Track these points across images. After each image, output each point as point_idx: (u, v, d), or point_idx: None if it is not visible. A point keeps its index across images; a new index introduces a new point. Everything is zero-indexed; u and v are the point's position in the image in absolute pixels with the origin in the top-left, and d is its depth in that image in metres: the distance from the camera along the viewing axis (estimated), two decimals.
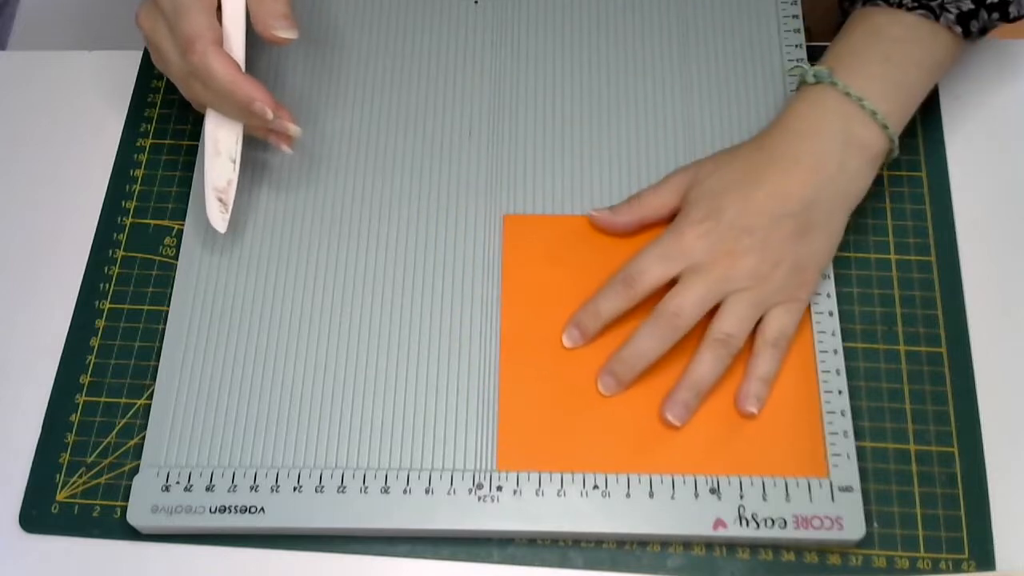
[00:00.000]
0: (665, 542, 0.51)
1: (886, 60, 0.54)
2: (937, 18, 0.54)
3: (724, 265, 0.52)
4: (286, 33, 0.53)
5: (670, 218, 0.55)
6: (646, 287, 0.53)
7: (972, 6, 0.54)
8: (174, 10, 0.52)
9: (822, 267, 0.54)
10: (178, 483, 0.51)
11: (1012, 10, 0.55)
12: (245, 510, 0.51)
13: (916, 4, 0.54)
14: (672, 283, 0.53)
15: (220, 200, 0.55)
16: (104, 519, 0.53)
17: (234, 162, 0.55)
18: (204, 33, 0.51)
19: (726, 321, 0.52)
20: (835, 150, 0.53)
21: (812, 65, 0.55)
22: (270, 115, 0.53)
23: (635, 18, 0.64)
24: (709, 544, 0.51)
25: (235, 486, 0.51)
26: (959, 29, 0.54)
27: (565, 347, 0.54)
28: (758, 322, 0.53)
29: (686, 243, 0.52)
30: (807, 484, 0.50)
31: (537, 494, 0.51)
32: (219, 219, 0.55)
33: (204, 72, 0.52)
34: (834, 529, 0.50)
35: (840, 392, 0.53)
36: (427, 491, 0.51)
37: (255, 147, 0.60)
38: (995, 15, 0.54)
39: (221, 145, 0.55)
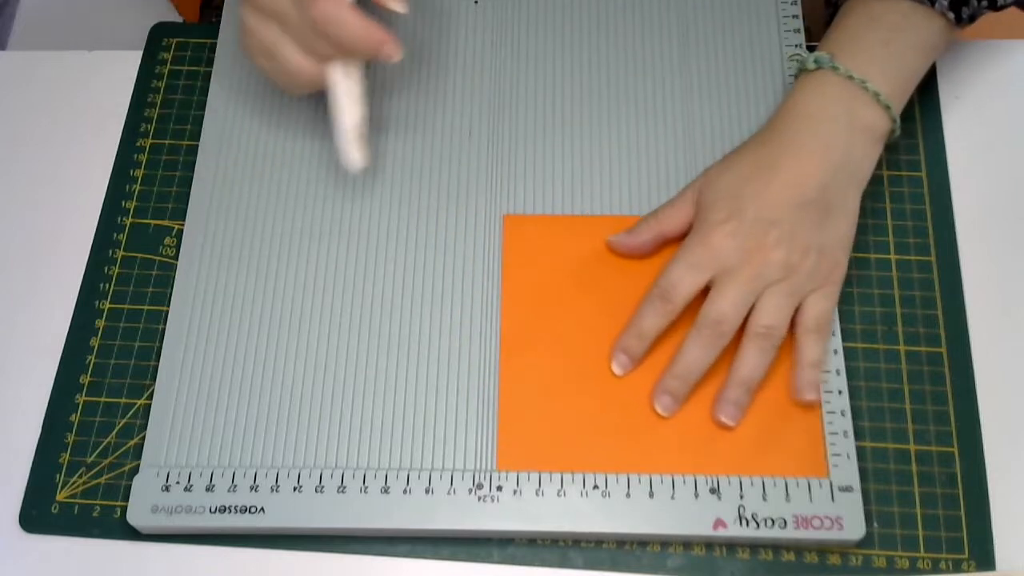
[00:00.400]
0: (665, 542, 0.51)
1: (885, 45, 0.55)
2: (932, 4, 0.54)
3: (755, 262, 0.52)
4: (398, 6, 0.53)
5: (687, 231, 0.55)
6: (683, 298, 0.52)
7: None
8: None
9: (848, 248, 0.54)
10: (178, 483, 0.51)
11: None
12: (245, 510, 0.51)
13: None
14: (707, 288, 0.53)
15: (357, 137, 0.55)
16: (104, 519, 0.53)
17: (361, 101, 0.55)
18: None
19: (765, 314, 0.52)
20: (842, 133, 0.53)
21: (810, 53, 0.56)
22: (398, 57, 0.53)
23: (635, 18, 0.64)
24: (709, 544, 0.51)
25: (235, 486, 0.51)
26: (952, 15, 0.55)
27: (615, 374, 0.53)
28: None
29: (714, 246, 0.52)
30: (807, 484, 0.50)
31: (537, 494, 0.51)
32: (358, 157, 0.55)
33: (333, 22, 0.51)
34: (834, 529, 0.49)
35: (840, 392, 0.53)
36: (427, 491, 0.51)
37: (253, 151, 0.60)
38: (984, 2, 0.55)
39: (347, 90, 0.55)
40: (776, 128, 0.55)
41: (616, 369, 0.53)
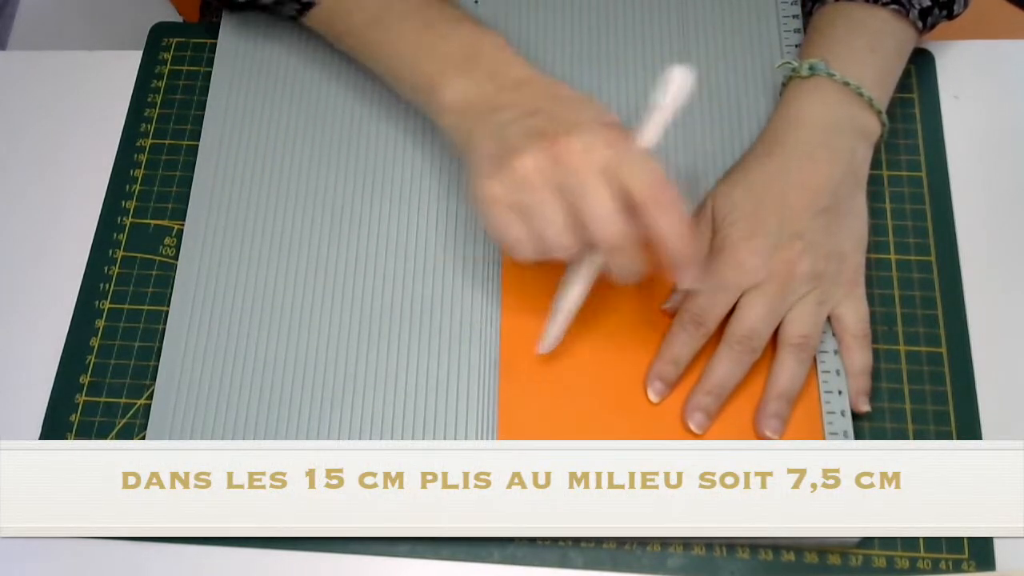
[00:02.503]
0: (665, 542, 0.51)
1: (872, 50, 0.56)
2: (908, 13, 0.56)
3: (782, 276, 0.51)
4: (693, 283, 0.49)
5: None
6: (715, 321, 0.52)
7: (929, 3, 0.57)
8: (620, 161, 0.45)
9: (865, 248, 0.54)
10: None
11: (956, 8, 0.58)
12: None
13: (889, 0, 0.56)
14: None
15: (566, 323, 0.51)
16: None
17: (586, 293, 0.51)
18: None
19: (799, 324, 0.52)
20: (845, 139, 0.54)
21: (798, 59, 0.57)
22: (689, 284, 0.48)
23: (635, 18, 0.64)
24: (709, 544, 0.51)
25: None
26: (920, 24, 0.57)
27: (651, 402, 0.52)
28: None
29: (740, 264, 0.52)
30: None
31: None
32: (554, 339, 0.52)
33: (674, 234, 0.45)
34: None
35: (840, 392, 0.53)
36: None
37: (253, 151, 0.60)
38: (943, 12, 0.58)
39: (587, 277, 0.50)
40: (779, 138, 0.55)
41: (652, 396, 0.52)
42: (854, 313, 0.53)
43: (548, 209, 0.46)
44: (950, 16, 0.59)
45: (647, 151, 0.47)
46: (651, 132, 0.48)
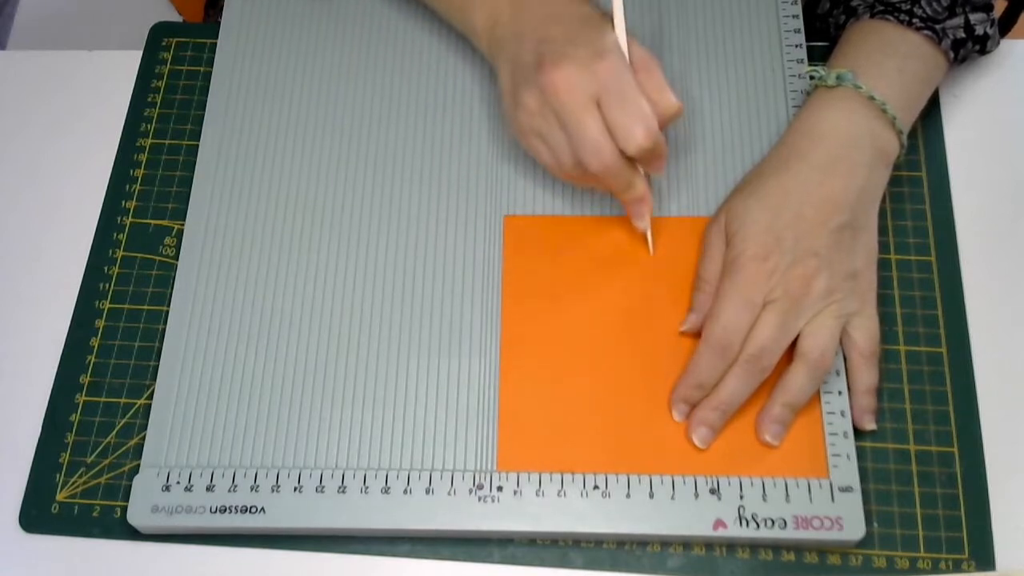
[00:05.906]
0: (665, 542, 0.51)
1: (901, 72, 0.55)
2: (940, 41, 0.56)
3: (797, 292, 0.51)
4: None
5: None
6: (740, 342, 0.51)
7: (964, 35, 0.57)
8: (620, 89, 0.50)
9: (876, 265, 0.54)
10: (178, 483, 0.51)
11: (989, 45, 0.59)
12: (245, 510, 0.51)
13: (923, 25, 0.56)
14: None
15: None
16: (104, 519, 0.53)
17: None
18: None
19: (817, 337, 0.51)
20: (867, 154, 0.54)
21: (826, 69, 0.56)
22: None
23: (635, 18, 0.63)
24: (709, 544, 0.51)
25: (235, 486, 0.51)
26: (952, 55, 0.57)
27: (675, 422, 0.52)
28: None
29: (758, 283, 0.51)
30: (807, 484, 0.50)
31: (537, 494, 0.51)
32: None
33: (659, 149, 0.51)
34: (834, 529, 0.49)
35: (840, 393, 0.53)
36: (427, 491, 0.51)
37: (253, 152, 0.60)
38: (976, 46, 0.58)
39: None
40: (797, 150, 0.54)
41: (676, 416, 0.52)
42: (865, 332, 0.53)
43: (555, 135, 0.52)
44: (983, 51, 0.58)
45: (632, 88, 0.50)
46: (619, 26, 0.52)
